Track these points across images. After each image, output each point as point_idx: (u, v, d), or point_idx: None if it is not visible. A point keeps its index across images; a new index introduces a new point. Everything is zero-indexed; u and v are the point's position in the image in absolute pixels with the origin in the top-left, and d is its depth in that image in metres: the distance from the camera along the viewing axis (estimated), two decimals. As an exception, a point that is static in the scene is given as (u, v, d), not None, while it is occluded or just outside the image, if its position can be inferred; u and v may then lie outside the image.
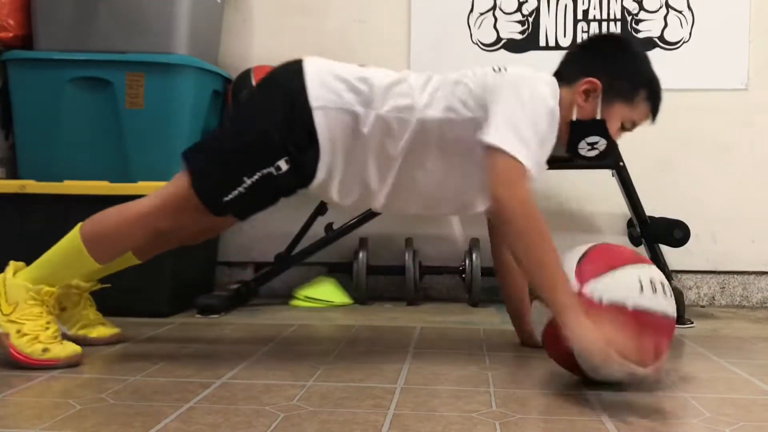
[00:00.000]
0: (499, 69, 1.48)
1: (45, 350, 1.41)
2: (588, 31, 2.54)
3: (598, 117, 1.49)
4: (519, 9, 2.56)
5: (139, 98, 2.13)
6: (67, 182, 2.06)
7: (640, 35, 2.53)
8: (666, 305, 1.29)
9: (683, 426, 1.13)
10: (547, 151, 1.47)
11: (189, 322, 2.02)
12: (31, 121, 2.18)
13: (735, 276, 2.55)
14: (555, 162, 1.57)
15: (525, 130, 1.36)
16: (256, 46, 2.61)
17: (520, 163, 1.33)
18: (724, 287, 2.56)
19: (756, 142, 2.53)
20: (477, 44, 2.57)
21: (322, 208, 2.33)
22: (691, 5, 2.52)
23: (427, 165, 1.49)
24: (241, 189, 1.41)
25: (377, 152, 1.47)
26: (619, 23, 2.54)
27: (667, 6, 2.53)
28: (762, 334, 1.99)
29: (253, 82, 2.33)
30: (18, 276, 1.48)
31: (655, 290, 1.28)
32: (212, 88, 2.35)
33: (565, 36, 2.55)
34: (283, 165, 1.41)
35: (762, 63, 2.52)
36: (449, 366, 1.50)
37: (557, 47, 2.54)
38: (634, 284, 1.27)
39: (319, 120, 1.42)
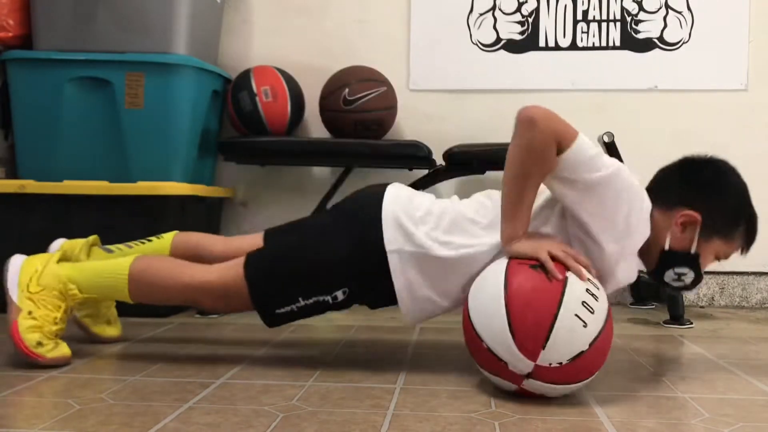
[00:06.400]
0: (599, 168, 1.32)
1: (39, 344, 1.42)
2: (588, 32, 2.54)
3: (693, 251, 1.42)
4: (518, 9, 2.56)
5: (138, 98, 2.13)
6: (66, 182, 2.07)
7: (639, 36, 2.53)
8: None
9: (683, 426, 1.13)
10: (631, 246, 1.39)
11: (188, 322, 2.02)
12: (31, 121, 2.18)
13: (734, 277, 2.55)
14: None
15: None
16: (256, 46, 2.61)
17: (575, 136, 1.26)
18: (723, 288, 2.56)
19: (755, 142, 2.53)
20: (477, 44, 2.57)
21: (322, 208, 2.32)
22: (691, 6, 2.52)
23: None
24: (293, 307, 1.44)
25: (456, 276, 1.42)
26: (618, 24, 2.54)
27: (667, 7, 2.53)
28: (761, 334, 1.99)
29: (253, 83, 2.34)
30: (61, 266, 1.50)
31: None
32: (212, 88, 2.35)
33: (564, 36, 2.55)
34: (339, 295, 1.43)
35: (761, 63, 2.52)
36: (448, 366, 1.50)
37: (557, 48, 2.54)
38: None
39: (394, 264, 1.40)
